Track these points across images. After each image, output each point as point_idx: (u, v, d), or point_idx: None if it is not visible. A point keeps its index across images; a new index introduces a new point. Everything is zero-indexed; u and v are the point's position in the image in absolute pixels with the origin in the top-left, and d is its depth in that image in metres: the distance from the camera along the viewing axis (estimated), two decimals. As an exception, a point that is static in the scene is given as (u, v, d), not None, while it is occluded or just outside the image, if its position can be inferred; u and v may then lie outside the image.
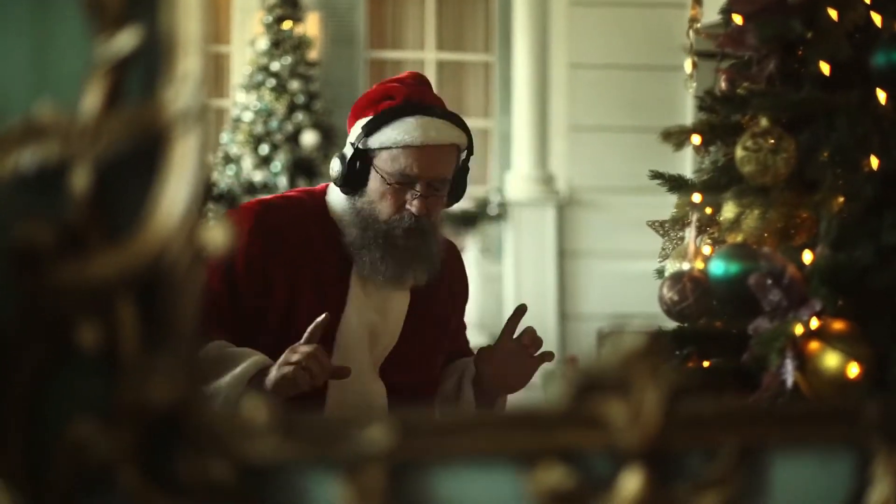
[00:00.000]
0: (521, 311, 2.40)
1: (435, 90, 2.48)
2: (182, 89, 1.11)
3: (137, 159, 1.12)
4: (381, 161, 2.31)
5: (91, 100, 1.12)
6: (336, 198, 2.39)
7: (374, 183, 2.32)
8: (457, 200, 2.44)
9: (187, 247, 1.09)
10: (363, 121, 2.34)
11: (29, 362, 1.10)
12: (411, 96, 2.36)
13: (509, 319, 2.40)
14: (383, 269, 2.33)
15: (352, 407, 2.30)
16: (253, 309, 2.29)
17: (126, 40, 1.12)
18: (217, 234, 1.10)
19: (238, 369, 2.18)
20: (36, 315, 1.10)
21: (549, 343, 2.46)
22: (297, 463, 1.13)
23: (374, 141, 2.32)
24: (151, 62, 1.13)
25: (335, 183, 2.37)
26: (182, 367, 1.09)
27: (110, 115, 1.11)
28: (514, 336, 2.37)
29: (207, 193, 2.49)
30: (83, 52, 1.13)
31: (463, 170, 2.41)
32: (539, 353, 2.37)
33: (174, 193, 1.11)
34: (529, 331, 2.38)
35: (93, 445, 1.10)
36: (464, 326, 2.62)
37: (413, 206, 2.30)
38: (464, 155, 2.40)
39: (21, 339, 1.10)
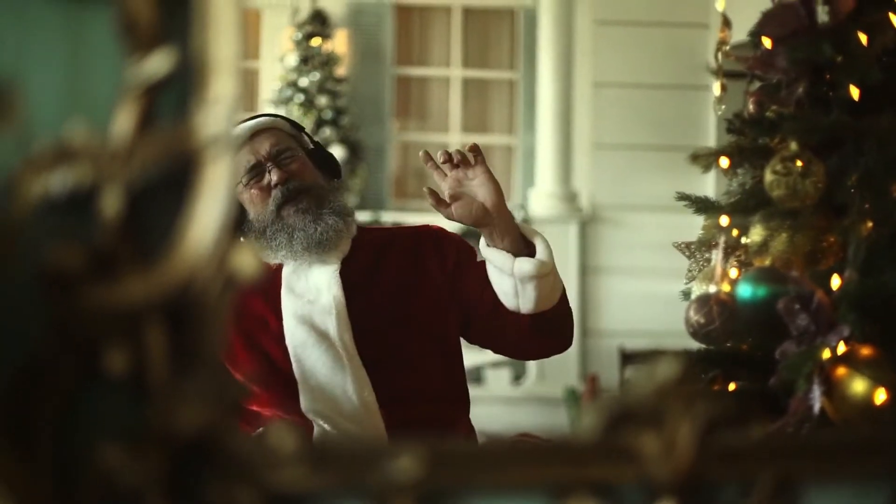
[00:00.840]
0: (426, 159, 2.42)
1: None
2: (214, 113, 1.11)
3: (168, 183, 1.11)
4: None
5: (123, 122, 1.11)
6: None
7: (245, 198, 2.47)
8: (333, 170, 2.57)
9: (218, 272, 1.09)
10: None
11: (57, 386, 1.10)
12: None
13: (430, 166, 2.42)
14: (297, 242, 2.44)
15: (321, 399, 2.38)
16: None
17: (159, 63, 1.11)
18: (247, 260, 1.09)
19: None
20: (65, 338, 1.09)
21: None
22: (325, 492, 1.12)
23: None
24: (184, 84, 1.12)
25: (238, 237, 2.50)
26: (210, 394, 1.09)
27: (142, 138, 1.11)
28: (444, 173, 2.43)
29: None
30: (116, 74, 1.12)
31: (315, 145, 2.58)
32: (467, 160, 2.41)
33: (205, 218, 1.10)
34: (442, 154, 2.41)
35: (120, 471, 1.09)
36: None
37: (273, 178, 2.45)
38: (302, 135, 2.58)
39: (49, 362, 1.09)
